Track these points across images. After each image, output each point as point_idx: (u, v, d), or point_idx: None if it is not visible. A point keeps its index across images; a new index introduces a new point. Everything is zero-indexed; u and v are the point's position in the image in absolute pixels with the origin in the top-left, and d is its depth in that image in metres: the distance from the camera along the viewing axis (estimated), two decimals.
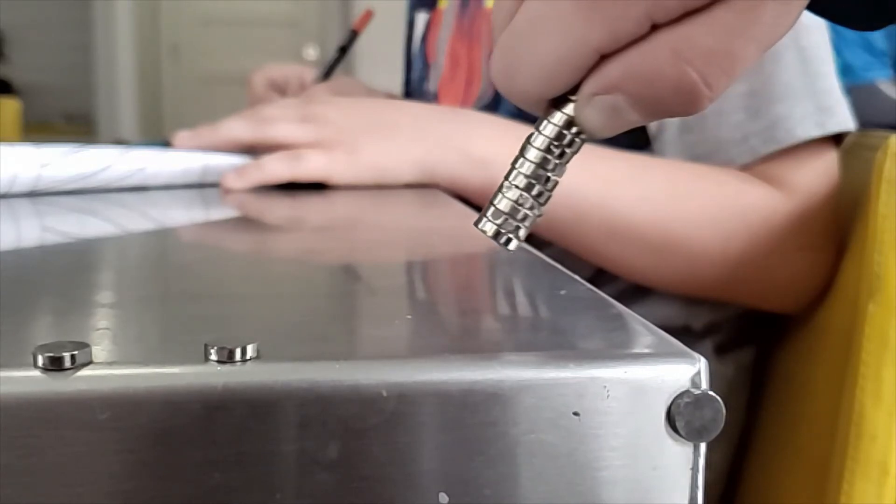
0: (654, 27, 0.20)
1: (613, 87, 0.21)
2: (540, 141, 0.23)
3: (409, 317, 0.26)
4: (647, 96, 0.21)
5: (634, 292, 0.64)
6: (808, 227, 0.60)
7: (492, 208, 0.23)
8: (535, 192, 0.23)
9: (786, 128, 0.59)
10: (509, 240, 0.23)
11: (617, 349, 0.22)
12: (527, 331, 0.25)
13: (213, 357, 0.20)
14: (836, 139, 0.62)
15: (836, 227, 0.60)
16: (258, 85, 0.90)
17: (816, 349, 0.61)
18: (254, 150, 0.62)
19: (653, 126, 0.64)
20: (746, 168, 0.61)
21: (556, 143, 0.23)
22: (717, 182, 0.60)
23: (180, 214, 0.52)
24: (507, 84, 0.23)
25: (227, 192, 0.57)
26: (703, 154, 0.62)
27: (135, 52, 4.30)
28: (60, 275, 0.31)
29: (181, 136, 0.62)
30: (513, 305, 0.28)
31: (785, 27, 0.21)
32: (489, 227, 0.24)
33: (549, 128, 0.23)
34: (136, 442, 0.19)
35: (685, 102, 0.21)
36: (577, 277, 0.30)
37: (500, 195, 0.23)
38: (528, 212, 0.23)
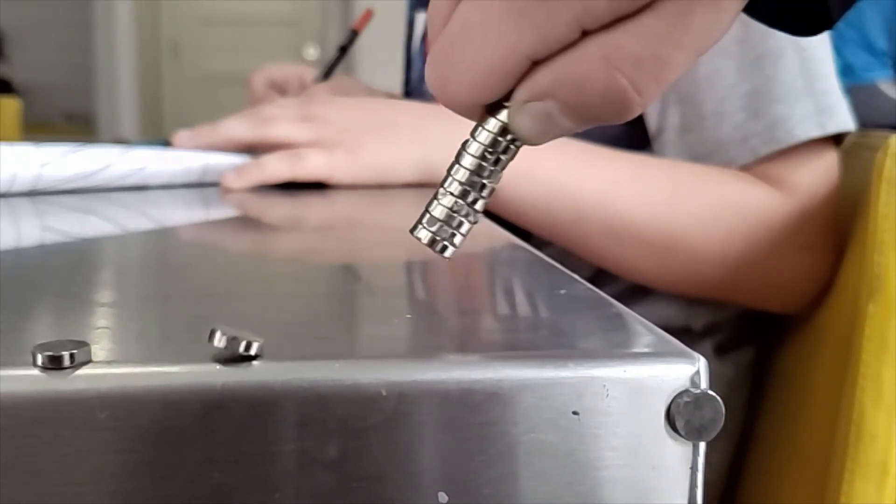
0: (585, 33, 0.20)
1: (545, 93, 0.21)
2: (474, 148, 0.23)
3: (408, 316, 0.26)
4: (578, 103, 0.21)
5: (634, 292, 0.64)
6: (808, 227, 0.59)
7: (427, 215, 0.23)
8: (470, 199, 0.23)
9: (786, 128, 0.59)
10: (445, 247, 0.23)
11: (616, 349, 0.22)
12: (526, 330, 0.25)
13: (219, 343, 0.19)
14: (837, 139, 0.62)
15: (836, 227, 0.60)
16: (258, 85, 0.90)
17: (816, 349, 0.61)
18: (254, 149, 0.62)
19: (653, 126, 0.64)
20: (746, 168, 0.61)
21: (490, 149, 0.23)
22: (717, 182, 0.60)
23: (180, 214, 0.52)
24: (441, 90, 0.22)
25: (227, 191, 0.57)
26: (703, 154, 0.62)
27: (135, 52, 4.30)
28: (60, 274, 0.31)
29: (181, 136, 0.62)
30: (512, 305, 0.28)
31: (717, 34, 0.20)
32: (424, 235, 0.23)
33: (483, 134, 0.23)
34: (136, 441, 0.19)
35: (616, 109, 0.21)
36: (576, 277, 0.30)
37: (435, 202, 0.23)
38: (463, 219, 0.23)
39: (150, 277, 0.32)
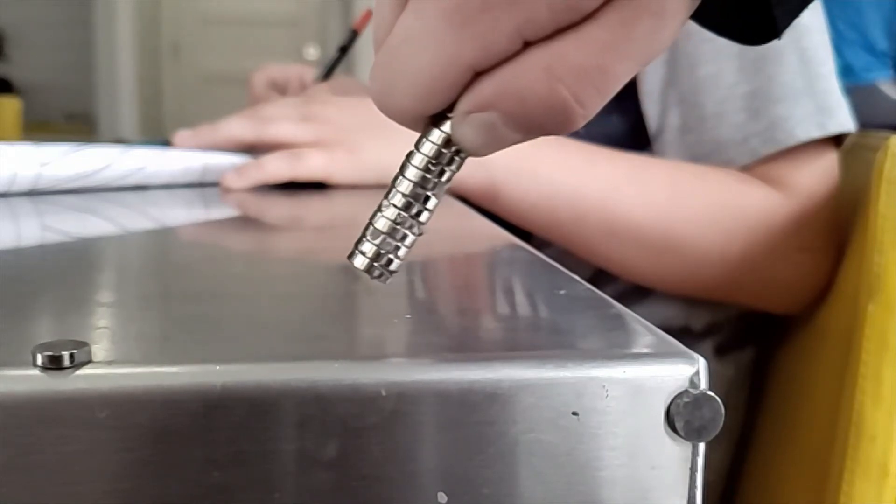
0: (528, 44, 0.20)
1: (487, 104, 0.21)
2: (418, 159, 0.22)
3: (408, 316, 0.26)
4: (520, 114, 0.20)
5: (634, 293, 0.64)
6: (808, 227, 0.60)
7: (371, 228, 0.23)
8: (413, 211, 0.23)
9: (786, 129, 0.59)
10: (390, 261, 0.23)
11: (616, 349, 0.22)
12: (526, 330, 0.25)
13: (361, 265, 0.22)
14: (837, 140, 0.62)
15: (836, 227, 0.60)
16: (258, 84, 0.90)
17: (816, 349, 0.61)
18: (254, 149, 0.62)
19: (653, 126, 0.64)
20: (746, 169, 0.61)
21: (434, 161, 0.22)
22: (717, 183, 0.60)
23: (180, 214, 0.52)
24: (384, 102, 0.22)
25: (227, 191, 0.57)
26: (703, 154, 0.62)
27: (135, 52, 4.31)
28: (60, 274, 0.31)
29: (181, 136, 0.62)
30: (512, 305, 0.28)
31: (662, 43, 0.20)
32: (368, 248, 0.23)
33: (427, 146, 0.22)
34: (135, 441, 0.19)
35: (558, 121, 0.20)
36: (576, 277, 0.30)
37: (378, 214, 0.23)
38: (407, 231, 0.23)
39: (150, 277, 0.32)
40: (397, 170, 0.23)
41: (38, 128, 3.42)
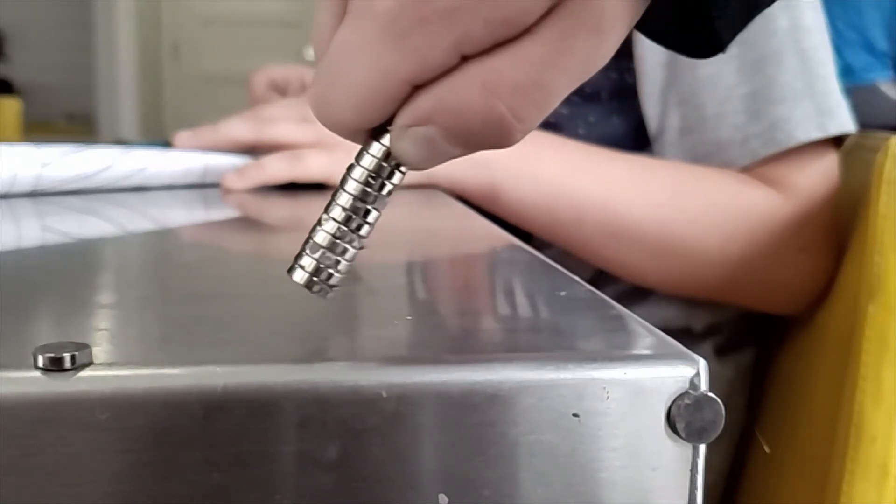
0: (466, 58, 0.20)
1: (426, 118, 0.20)
2: (358, 172, 0.22)
3: (409, 318, 0.26)
4: (458, 129, 0.20)
5: (635, 294, 0.64)
6: (808, 228, 0.60)
7: (310, 241, 0.23)
8: (353, 225, 0.22)
9: (786, 130, 0.59)
10: (330, 275, 0.23)
11: (617, 350, 0.22)
12: (526, 332, 0.25)
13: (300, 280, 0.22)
14: (837, 141, 0.62)
15: (836, 228, 0.60)
16: (259, 85, 0.90)
17: (816, 350, 0.61)
18: (254, 150, 0.62)
19: (653, 127, 0.64)
20: (746, 170, 0.61)
21: (374, 174, 0.22)
22: (717, 184, 0.60)
23: (180, 214, 0.52)
24: (322, 114, 0.22)
25: (228, 192, 0.57)
26: (703, 155, 0.62)
27: (136, 52, 4.31)
28: (61, 275, 0.31)
29: (182, 136, 0.62)
30: (513, 306, 0.28)
31: (601, 57, 0.20)
32: (307, 262, 0.23)
33: (367, 159, 0.22)
34: (136, 442, 0.19)
35: (496, 135, 0.20)
36: (577, 278, 0.30)
37: (318, 228, 0.22)
38: (347, 245, 0.22)
39: (150, 278, 0.33)
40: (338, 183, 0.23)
41: (39, 128, 3.42)
